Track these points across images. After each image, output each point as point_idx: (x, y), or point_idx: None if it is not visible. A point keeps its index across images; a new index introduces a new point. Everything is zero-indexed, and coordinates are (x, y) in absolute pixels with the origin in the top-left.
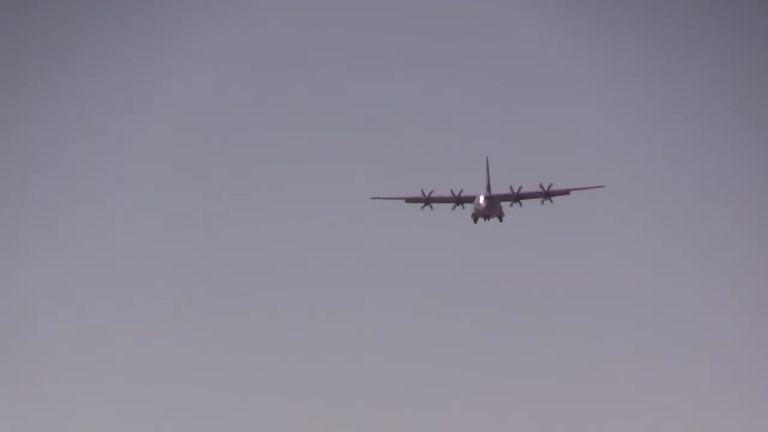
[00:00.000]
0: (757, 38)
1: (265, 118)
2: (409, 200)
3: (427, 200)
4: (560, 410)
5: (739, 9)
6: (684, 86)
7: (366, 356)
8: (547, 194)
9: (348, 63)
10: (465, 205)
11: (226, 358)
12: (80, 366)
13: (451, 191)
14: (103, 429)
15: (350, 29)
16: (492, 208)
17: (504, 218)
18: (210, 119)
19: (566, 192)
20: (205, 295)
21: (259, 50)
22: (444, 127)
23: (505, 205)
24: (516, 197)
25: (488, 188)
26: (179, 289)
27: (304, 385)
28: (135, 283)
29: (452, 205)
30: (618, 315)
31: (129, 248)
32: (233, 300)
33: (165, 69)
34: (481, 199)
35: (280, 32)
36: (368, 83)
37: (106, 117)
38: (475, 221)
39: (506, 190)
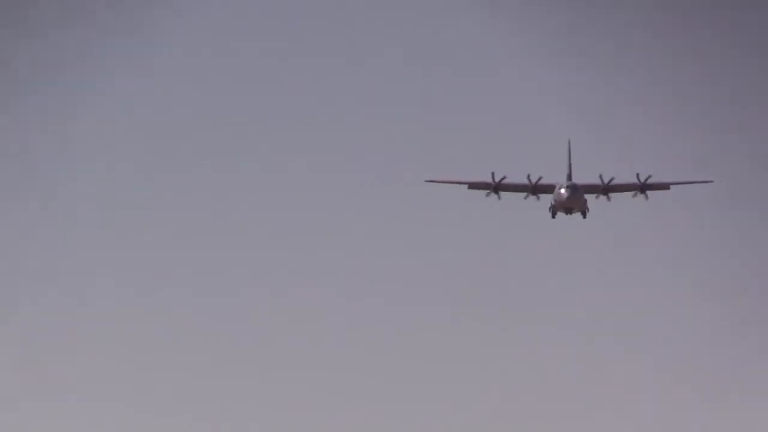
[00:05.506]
0: None
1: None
2: (472, 186)
3: (497, 187)
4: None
5: None
6: None
7: (406, 358)
8: (643, 187)
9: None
10: (541, 195)
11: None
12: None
13: (528, 177)
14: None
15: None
16: (576, 200)
17: (588, 213)
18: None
19: (666, 186)
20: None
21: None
22: (524, 112)
23: (590, 199)
24: (605, 189)
25: (569, 177)
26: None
27: (337, 381)
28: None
29: (525, 194)
30: (724, 334)
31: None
32: (265, 288)
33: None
34: (563, 188)
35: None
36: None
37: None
38: (554, 215)
39: (593, 181)
